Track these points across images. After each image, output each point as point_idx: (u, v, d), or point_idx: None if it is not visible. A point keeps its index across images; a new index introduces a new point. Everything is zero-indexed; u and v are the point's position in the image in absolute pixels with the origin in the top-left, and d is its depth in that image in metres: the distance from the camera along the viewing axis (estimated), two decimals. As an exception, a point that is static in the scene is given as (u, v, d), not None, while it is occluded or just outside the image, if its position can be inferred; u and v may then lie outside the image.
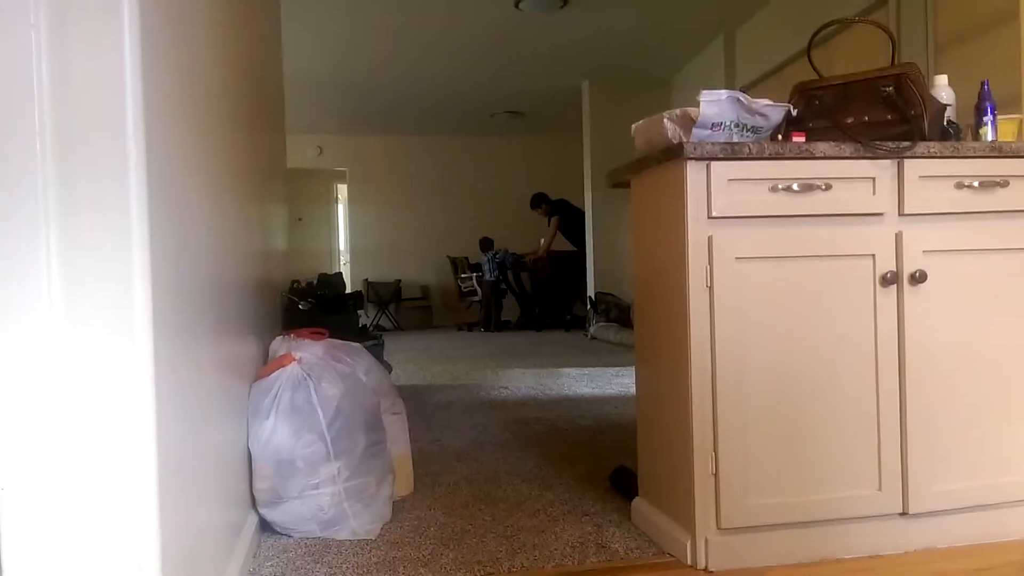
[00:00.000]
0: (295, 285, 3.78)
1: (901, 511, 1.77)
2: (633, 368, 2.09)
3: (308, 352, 2.10)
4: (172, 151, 1.22)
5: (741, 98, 1.79)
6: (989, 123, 1.95)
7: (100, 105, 1.01)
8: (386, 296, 10.09)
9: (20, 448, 0.98)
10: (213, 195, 1.58)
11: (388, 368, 3.65)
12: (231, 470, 1.72)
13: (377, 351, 3.77)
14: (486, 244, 9.44)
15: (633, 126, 1.99)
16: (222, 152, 1.73)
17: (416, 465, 2.42)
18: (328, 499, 1.95)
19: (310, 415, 1.97)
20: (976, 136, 1.97)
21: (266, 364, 2.13)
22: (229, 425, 1.72)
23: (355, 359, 2.24)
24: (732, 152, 1.70)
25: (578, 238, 8.58)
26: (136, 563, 1.03)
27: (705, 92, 1.76)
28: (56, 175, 0.98)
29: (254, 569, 1.75)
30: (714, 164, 1.70)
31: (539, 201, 8.96)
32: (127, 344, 1.02)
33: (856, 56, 2.23)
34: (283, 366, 2.04)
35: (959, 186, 1.80)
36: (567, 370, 5.24)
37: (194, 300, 1.34)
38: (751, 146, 1.72)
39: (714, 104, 1.77)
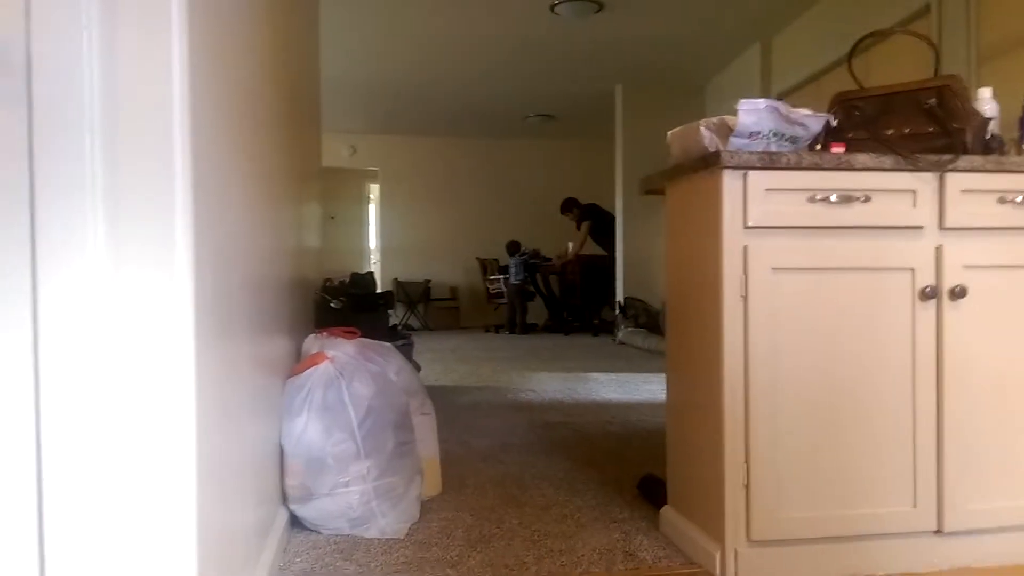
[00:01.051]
0: (327, 283, 3.82)
1: (936, 529, 1.74)
2: (662, 375, 2.09)
3: (340, 351, 2.12)
4: (214, 153, 1.24)
5: (780, 107, 1.78)
6: (1034, 137, 1.91)
7: (149, 109, 1.03)
8: (415, 296, 10.15)
9: (70, 458, 1.01)
10: (250, 194, 1.61)
11: (417, 368, 3.68)
12: (265, 465, 1.75)
13: (407, 351, 3.80)
14: (513, 247, 9.45)
15: (669, 133, 1.99)
16: (260, 151, 1.76)
17: (444, 466, 2.44)
18: (357, 497, 1.97)
19: (341, 413, 1.99)
20: (1020, 150, 1.94)
21: (299, 362, 2.16)
22: (263, 421, 1.75)
23: (386, 359, 2.26)
24: (770, 162, 1.69)
25: (608, 243, 8.56)
26: (173, 554, 1.05)
27: (743, 101, 1.75)
28: (103, 181, 1.01)
29: (284, 564, 1.78)
30: (751, 173, 1.69)
31: (570, 206, 8.96)
32: (169, 341, 1.04)
33: (895, 66, 2.20)
34: (316, 364, 2.06)
35: (1002, 201, 1.77)
36: (595, 375, 5.23)
37: (231, 299, 1.36)
38: (789, 156, 1.71)
39: (752, 113, 1.76)
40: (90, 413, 1.01)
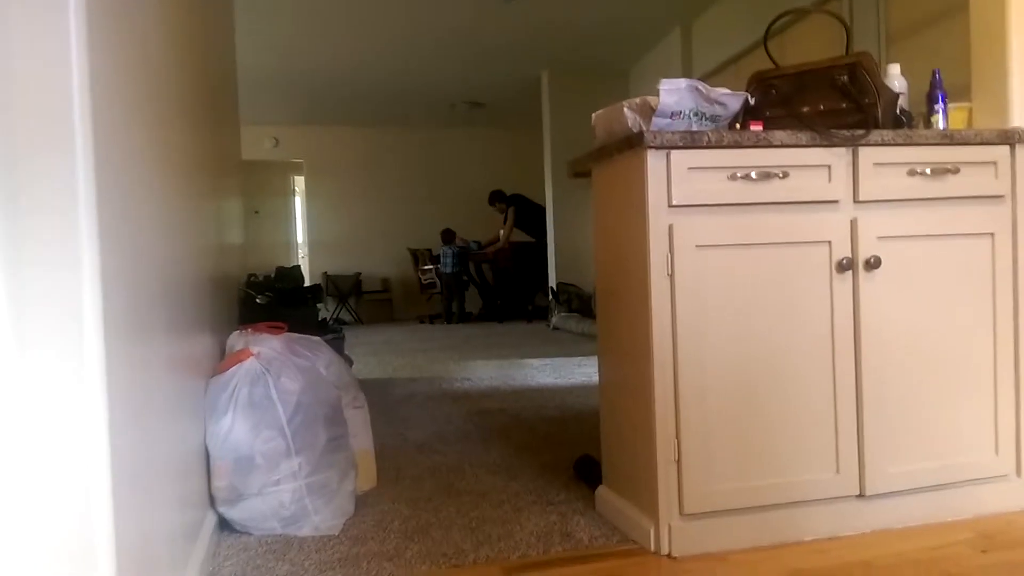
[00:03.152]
0: (252, 279, 3.71)
1: (858, 493, 1.80)
2: (596, 358, 2.10)
3: (266, 346, 2.06)
4: (120, 145, 1.17)
5: (700, 87, 1.80)
6: (940, 111, 1.99)
7: (45, 99, 0.96)
8: (346, 289, 9.98)
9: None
10: (163, 189, 1.54)
11: (349, 362, 3.61)
12: (187, 469, 1.68)
13: (337, 344, 3.72)
14: (447, 236, 9.39)
15: (593, 115, 1.99)
16: (172, 146, 1.68)
17: (379, 459, 2.40)
18: (289, 495, 1.91)
19: (269, 410, 1.93)
20: (928, 124, 2.01)
21: (223, 360, 2.09)
22: (185, 423, 1.68)
23: (315, 353, 2.20)
24: (692, 141, 1.71)
25: (535, 231, 8.62)
26: (91, 569, 1.00)
27: (665, 81, 1.77)
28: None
29: (214, 569, 1.72)
30: (674, 153, 1.70)
31: (496, 198, 8.98)
32: (76, 348, 0.98)
33: (811, 47, 2.26)
34: (240, 361, 1.99)
35: (912, 173, 1.83)
36: (530, 360, 5.24)
37: (146, 298, 1.30)
38: (710, 135, 1.73)
39: (673, 93, 1.77)
40: (-15, 421, 0.94)
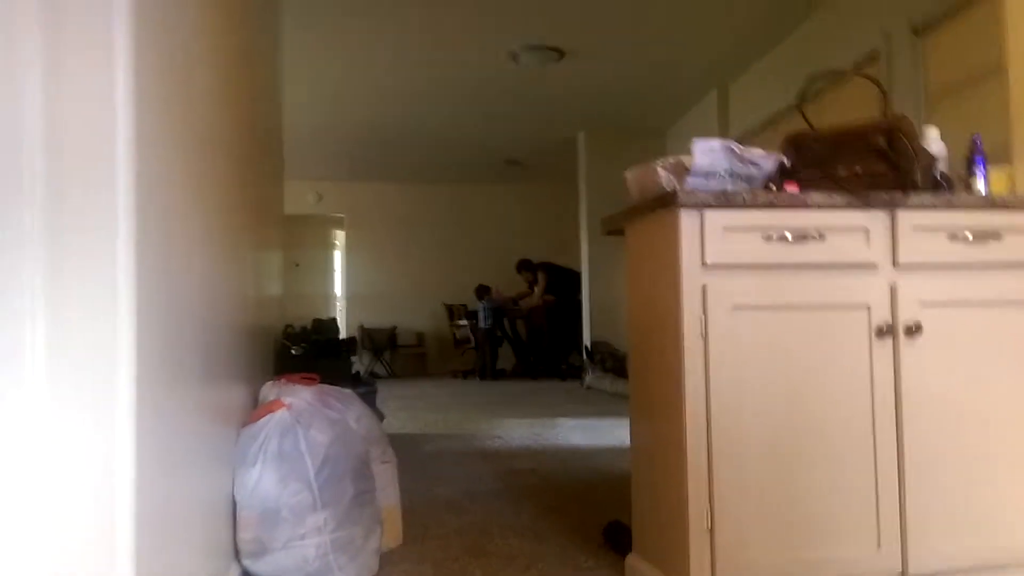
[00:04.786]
0: (288, 330, 3.76)
1: (900, 571, 1.71)
2: (628, 419, 2.06)
3: (298, 398, 2.06)
4: (162, 191, 1.21)
5: (734, 147, 1.80)
6: (980, 175, 1.96)
7: (88, 140, 1.00)
8: (381, 342, 10.04)
9: (-9, 495, 0.95)
10: (206, 240, 1.58)
11: (381, 416, 3.61)
12: (214, 520, 1.67)
13: (370, 398, 3.73)
14: (482, 291, 9.44)
15: (627, 173, 2.00)
16: (215, 196, 1.73)
17: (406, 515, 2.36)
18: (314, 551, 1.89)
19: (297, 462, 1.93)
20: (968, 189, 1.98)
21: (256, 409, 2.10)
22: (214, 473, 1.68)
23: (346, 405, 2.21)
24: (726, 200, 1.70)
25: (566, 296, 8.69)
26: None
27: (698, 140, 1.77)
28: (42, 217, 0.97)
29: (234, 624, 1.69)
30: (708, 212, 1.70)
31: (524, 267, 9.08)
32: (108, 390, 1.00)
33: (847, 111, 2.27)
34: (272, 412, 2.00)
35: (952, 238, 1.80)
36: (562, 420, 5.18)
37: (180, 345, 1.32)
38: (744, 195, 1.72)
39: (707, 153, 1.78)
40: (18, 460, 0.95)
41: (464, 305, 9.86)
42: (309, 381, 2.27)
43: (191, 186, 1.43)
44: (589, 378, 7.60)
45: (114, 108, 1.01)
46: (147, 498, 1.06)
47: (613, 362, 7.40)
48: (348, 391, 2.35)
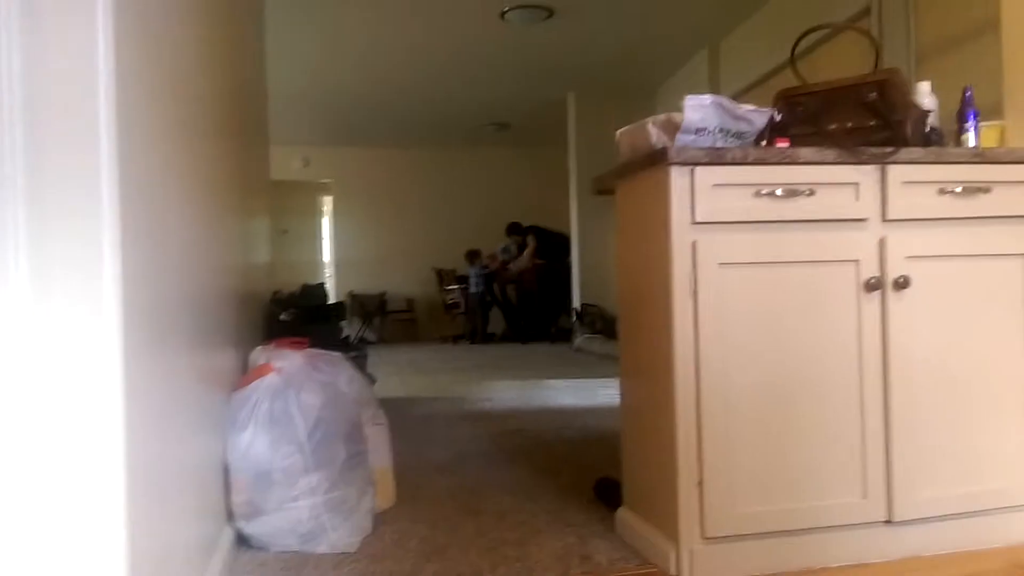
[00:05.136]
0: (276, 296, 3.74)
1: (886, 519, 1.74)
2: (618, 379, 2.07)
3: (288, 362, 2.06)
4: (148, 159, 1.19)
5: (725, 103, 1.78)
6: (971, 129, 1.95)
7: (72, 106, 0.97)
8: (371, 308, 10.03)
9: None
10: (191, 205, 1.55)
11: (372, 380, 3.61)
12: (207, 482, 1.68)
13: (360, 363, 3.73)
14: (472, 256, 9.42)
15: (618, 132, 1.98)
16: (202, 163, 1.70)
17: (398, 478, 2.38)
18: (307, 512, 1.90)
19: (289, 426, 1.93)
20: (958, 142, 1.97)
21: (245, 374, 2.09)
22: (205, 436, 1.68)
23: (336, 369, 2.20)
24: (716, 157, 1.69)
25: (555, 260, 8.68)
26: (101, 572, 0.99)
27: (689, 97, 1.76)
28: (24, 178, 0.94)
29: (229, 584, 1.71)
30: (698, 169, 1.69)
31: (513, 230, 9.05)
32: (97, 354, 0.98)
33: (839, 67, 2.24)
34: (262, 376, 2.00)
35: (942, 192, 1.80)
36: (552, 382, 5.21)
37: (169, 309, 1.31)
38: (735, 151, 1.71)
39: (698, 109, 1.76)
40: (7, 426, 0.94)
41: (453, 270, 9.84)
42: (298, 345, 2.26)
43: (174, 149, 1.40)
44: (579, 340, 7.64)
45: (96, 64, 0.98)
46: (138, 460, 1.06)
47: (603, 324, 7.44)
48: (338, 355, 2.34)
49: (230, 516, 1.92)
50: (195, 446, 1.56)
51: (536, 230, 8.96)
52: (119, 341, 1.00)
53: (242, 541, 1.94)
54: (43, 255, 0.96)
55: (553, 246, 8.70)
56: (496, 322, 9.54)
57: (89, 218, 0.98)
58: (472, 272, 9.28)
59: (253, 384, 1.99)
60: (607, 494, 2.18)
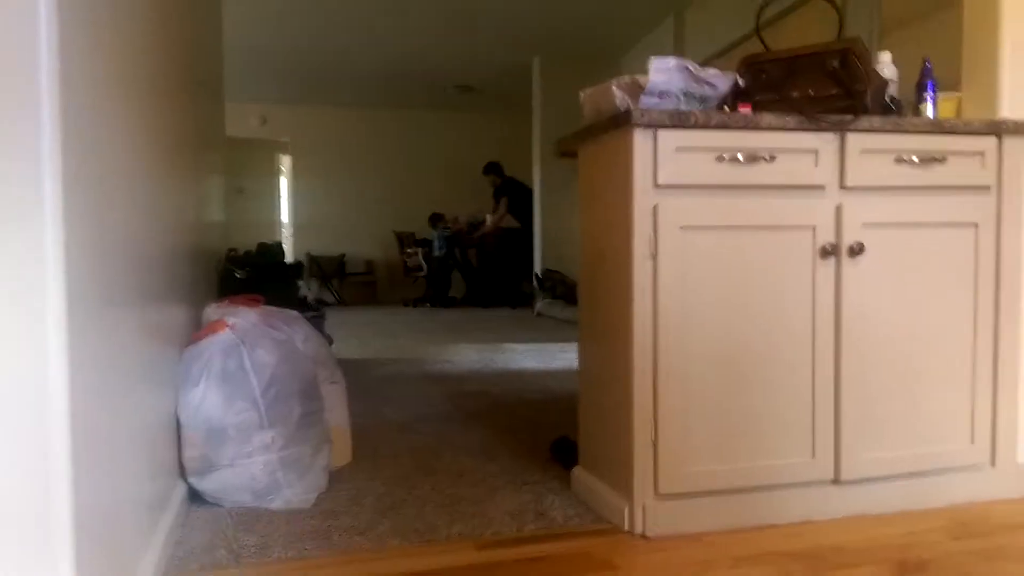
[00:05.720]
0: (231, 253, 3.67)
1: (833, 478, 1.80)
2: (577, 344, 2.08)
3: (242, 319, 2.03)
4: (93, 107, 1.13)
5: (689, 66, 1.78)
6: (929, 100, 1.98)
7: (8, 52, 0.92)
8: (330, 270, 9.92)
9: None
10: (139, 159, 1.50)
11: (329, 341, 3.58)
12: (157, 438, 1.65)
13: (318, 323, 3.69)
14: (435, 219, 9.35)
15: (582, 93, 1.96)
16: (151, 117, 1.64)
17: (356, 437, 2.37)
18: (261, 468, 1.89)
19: (243, 382, 1.90)
20: (917, 113, 2.00)
21: (198, 331, 2.05)
22: (155, 392, 1.65)
23: (292, 327, 2.18)
24: (679, 120, 1.69)
25: (525, 216, 8.57)
26: (46, 534, 0.96)
27: (654, 59, 1.75)
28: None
29: (181, 538, 1.69)
30: (661, 132, 1.68)
31: (491, 170, 8.88)
32: (38, 310, 0.95)
33: (804, 36, 2.24)
34: (215, 332, 1.96)
35: (899, 161, 1.82)
36: (512, 345, 5.22)
37: (115, 265, 1.26)
38: (698, 115, 1.71)
39: (663, 71, 1.75)
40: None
41: (413, 233, 9.75)
42: (253, 303, 2.22)
43: (122, 101, 1.35)
44: (540, 305, 7.67)
45: (36, 13, 0.93)
46: (83, 418, 1.03)
47: (563, 289, 7.47)
48: (294, 313, 2.32)
49: (182, 472, 1.90)
50: (144, 402, 1.52)
51: (512, 184, 8.78)
52: (61, 293, 0.96)
53: (195, 497, 1.92)
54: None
55: (525, 202, 8.57)
56: (457, 286, 9.51)
57: (28, 163, 0.93)
58: (435, 235, 9.21)
59: (206, 340, 1.96)
60: (564, 454, 2.20)
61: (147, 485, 1.51)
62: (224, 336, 1.95)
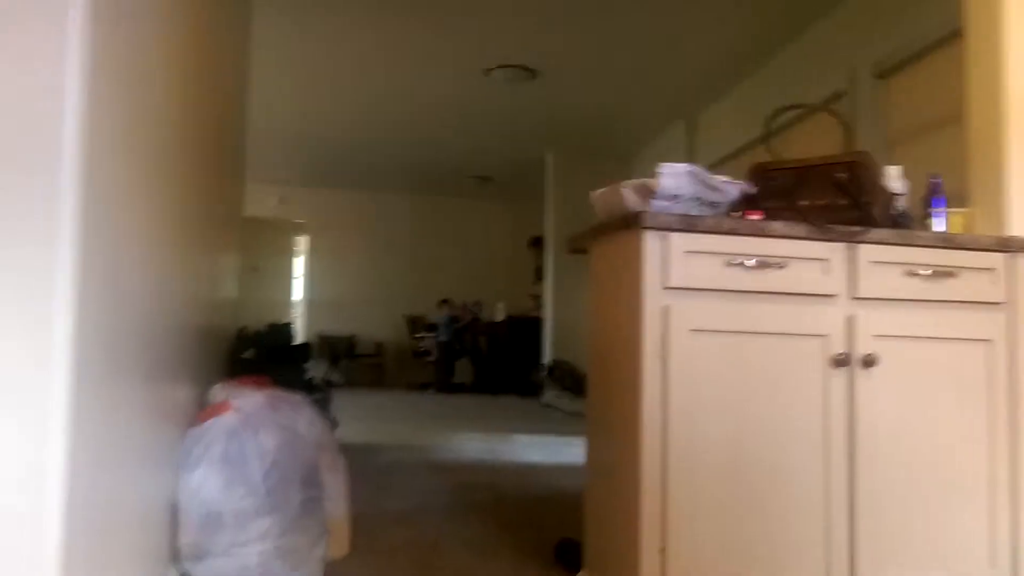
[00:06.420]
0: (242, 333, 3.68)
1: (846, 598, 1.73)
2: (584, 438, 2.05)
3: (247, 400, 2.02)
4: (111, 186, 1.17)
5: (699, 173, 1.82)
6: (936, 215, 2.01)
7: (34, 119, 0.96)
8: (339, 350, 9.91)
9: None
10: (157, 237, 1.53)
11: (334, 423, 3.54)
12: (152, 522, 1.62)
13: (324, 405, 3.66)
14: (443, 304, 9.41)
15: (593, 193, 2.01)
16: (169, 194, 1.68)
17: (355, 527, 2.32)
18: (256, 557, 1.84)
19: (244, 466, 1.88)
20: (924, 227, 2.03)
21: (203, 411, 2.04)
22: (154, 473, 1.63)
23: (296, 410, 2.16)
24: (690, 224, 1.72)
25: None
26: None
27: (665, 164, 1.79)
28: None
29: (168, 632, 1.63)
30: (672, 235, 1.71)
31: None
32: (42, 385, 0.95)
33: (812, 147, 2.30)
34: (219, 414, 1.95)
35: (910, 274, 1.84)
36: (518, 436, 5.15)
37: (124, 340, 1.27)
38: (709, 220, 1.74)
39: (673, 176, 1.80)
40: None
41: (424, 316, 9.79)
42: (260, 384, 2.22)
43: (142, 179, 1.39)
44: (547, 395, 7.59)
45: (63, 81, 0.97)
46: (79, 498, 1.02)
47: (572, 381, 7.41)
48: (299, 396, 2.30)
49: (176, 557, 1.85)
50: (142, 483, 1.50)
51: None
52: (68, 372, 0.97)
53: (186, 586, 1.86)
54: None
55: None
56: (466, 371, 9.47)
57: (42, 243, 0.96)
58: (440, 319, 9.25)
59: (209, 422, 1.94)
60: (568, 556, 2.14)
61: (139, 568, 1.47)
62: (227, 419, 1.94)
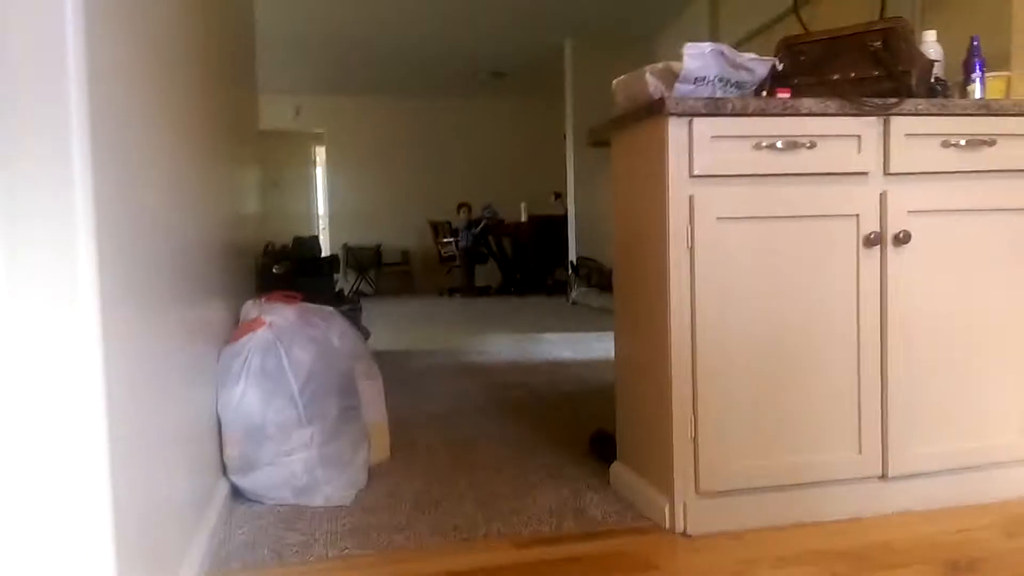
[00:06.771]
0: (269, 248, 3.70)
1: (880, 474, 1.75)
2: (613, 335, 2.06)
3: (279, 316, 2.04)
4: (123, 102, 1.14)
5: (725, 51, 1.73)
6: (977, 80, 1.90)
7: (40, 40, 0.92)
8: (366, 261, 9.99)
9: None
10: (173, 154, 1.51)
11: (366, 334, 3.60)
12: (198, 437, 1.67)
13: (354, 316, 3.71)
14: (461, 209, 9.38)
15: (614, 82, 1.93)
16: (184, 109, 1.65)
17: (393, 431, 2.38)
18: (301, 465, 1.90)
19: (281, 380, 1.92)
20: (964, 94, 1.92)
21: (237, 328, 2.07)
22: (195, 391, 1.66)
23: (328, 323, 2.18)
24: (715, 108, 1.65)
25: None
26: (86, 537, 0.98)
27: (689, 45, 1.70)
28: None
29: (225, 537, 1.71)
30: (696, 120, 1.64)
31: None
32: (70, 307, 0.95)
33: (843, 16, 2.17)
34: (253, 330, 1.98)
35: (946, 145, 1.76)
36: (548, 335, 5.21)
37: (149, 260, 1.27)
38: (735, 102, 1.67)
39: (697, 58, 1.71)
40: (-17, 386, 0.92)
41: (449, 222, 9.77)
42: (291, 299, 2.24)
43: (155, 94, 1.35)
44: (575, 293, 7.63)
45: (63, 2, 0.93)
46: (119, 416, 1.04)
47: (599, 277, 7.42)
48: (330, 309, 2.32)
49: (224, 470, 1.92)
50: (184, 400, 1.54)
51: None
52: (95, 294, 0.97)
53: (237, 494, 1.94)
54: (13, 202, 0.92)
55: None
56: (493, 275, 9.52)
57: (58, 165, 0.94)
58: (460, 224, 9.23)
59: (244, 338, 1.97)
60: (602, 448, 2.19)
61: (189, 483, 1.53)
62: (262, 334, 1.97)
